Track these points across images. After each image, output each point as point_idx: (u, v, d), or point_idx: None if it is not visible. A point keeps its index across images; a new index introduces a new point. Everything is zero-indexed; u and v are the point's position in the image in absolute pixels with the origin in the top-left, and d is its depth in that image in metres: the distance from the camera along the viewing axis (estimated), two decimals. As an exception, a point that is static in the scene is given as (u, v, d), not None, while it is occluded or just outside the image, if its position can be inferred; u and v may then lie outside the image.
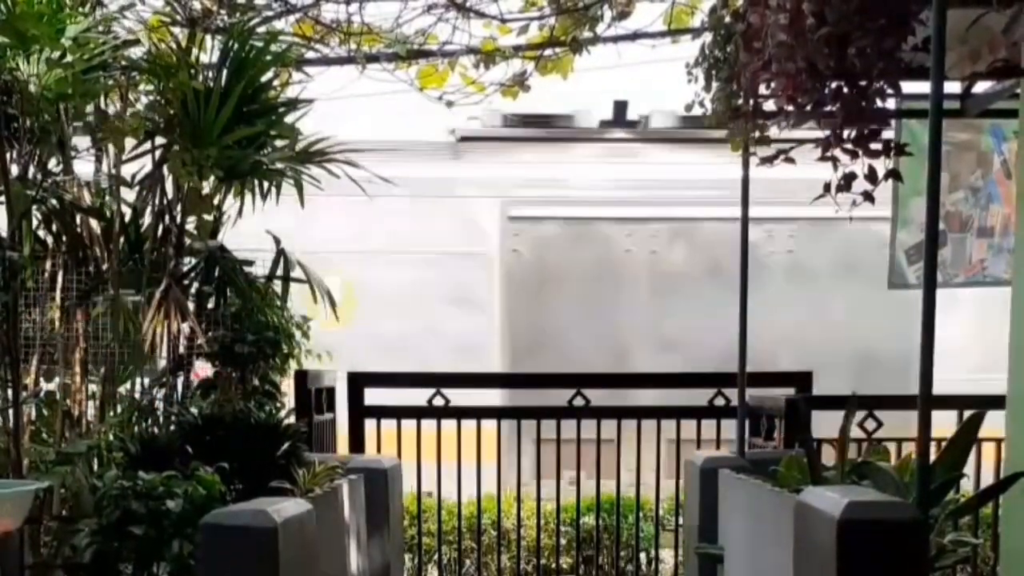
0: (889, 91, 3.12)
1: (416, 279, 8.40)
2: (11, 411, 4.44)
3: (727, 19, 3.69)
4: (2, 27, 4.37)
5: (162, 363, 5.05)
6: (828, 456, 3.95)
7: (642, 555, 6.71)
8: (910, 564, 2.74)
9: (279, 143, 5.12)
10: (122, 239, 5.02)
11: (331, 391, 5.87)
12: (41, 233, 5.03)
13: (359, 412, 5.68)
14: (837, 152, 3.18)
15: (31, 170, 4.83)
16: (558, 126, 9.05)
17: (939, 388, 2.87)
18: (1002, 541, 4.16)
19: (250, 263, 5.23)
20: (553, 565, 6.36)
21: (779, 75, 3.24)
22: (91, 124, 5.04)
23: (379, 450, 5.59)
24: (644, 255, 8.63)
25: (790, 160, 3.49)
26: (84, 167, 5.12)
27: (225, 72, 4.84)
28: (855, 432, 4.63)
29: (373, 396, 5.76)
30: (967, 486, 4.47)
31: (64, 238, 5.01)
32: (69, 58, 4.46)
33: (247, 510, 3.16)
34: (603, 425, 5.71)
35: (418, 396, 5.69)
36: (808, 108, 3.26)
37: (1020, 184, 3.91)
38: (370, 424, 5.69)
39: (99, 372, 5.00)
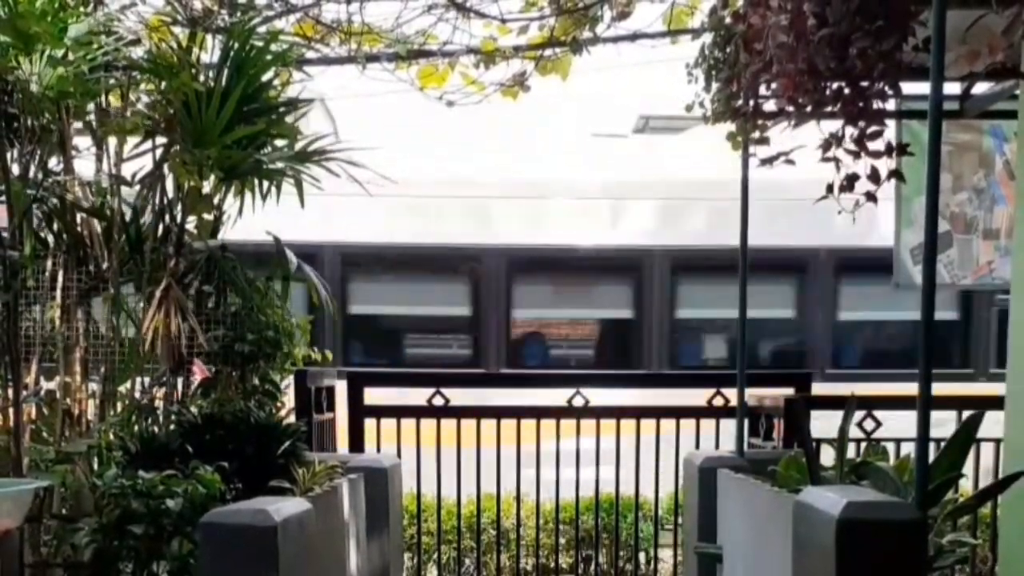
0: (889, 92, 3.13)
1: None
2: (11, 410, 4.44)
3: (727, 20, 3.70)
4: (3, 26, 4.37)
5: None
6: (827, 456, 3.96)
7: (641, 554, 6.72)
8: (909, 564, 2.74)
9: (279, 142, 5.12)
10: (122, 238, 5.02)
11: (331, 390, 5.88)
12: (42, 232, 5.03)
13: (359, 411, 5.69)
14: (838, 153, 3.19)
15: (32, 169, 4.83)
16: None
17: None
18: (1000, 541, 4.17)
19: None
20: (552, 564, 6.36)
21: (780, 76, 3.25)
22: (92, 123, 5.05)
23: (379, 449, 5.60)
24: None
25: (790, 162, 3.50)
26: (85, 166, 5.12)
27: (226, 72, 4.84)
28: (854, 432, 4.65)
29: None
30: (966, 486, 4.49)
31: (65, 237, 5.01)
32: (71, 57, 4.46)
33: (247, 509, 3.16)
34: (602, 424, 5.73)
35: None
36: (809, 109, 3.26)
37: (1020, 186, 3.92)
38: (370, 423, 5.70)
39: (99, 371, 5.01)
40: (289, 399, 5.36)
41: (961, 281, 6.00)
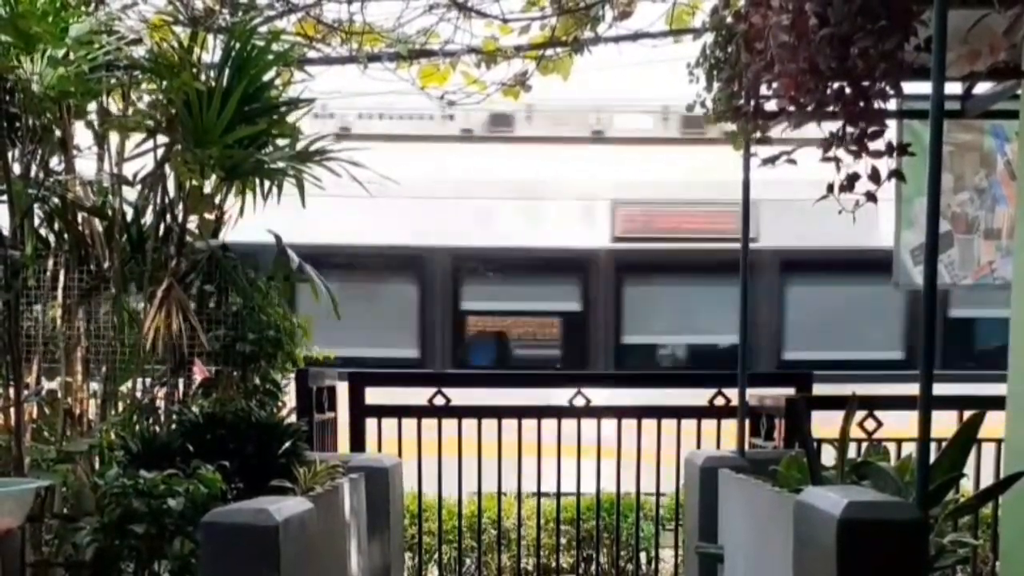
0: (891, 92, 3.13)
1: None
2: (13, 409, 4.44)
3: (728, 19, 3.70)
4: (5, 25, 4.38)
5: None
6: (828, 456, 3.96)
7: (642, 554, 6.72)
8: (910, 564, 2.74)
9: (281, 142, 5.12)
10: (124, 238, 5.02)
11: (332, 390, 5.88)
12: (43, 232, 5.04)
13: (360, 411, 5.69)
14: (839, 152, 3.19)
15: (33, 169, 4.83)
16: None
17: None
18: (1001, 541, 4.17)
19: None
20: (553, 564, 6.36)
21: (781, 76, 3.25)
22: (93, 123, 5.05)
23: (380, 449, 5.60)
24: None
25: (792, 161, 3.49)
26: (86, 166, 5.13)
27: (227, 71, 4.84)
28: (855, 432, 4.65)
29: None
30: (967, 486, 4.48)
31: (66, 237, 5.01)
32: (72, 57, 4.47)
33: (248, 509, 3.16)
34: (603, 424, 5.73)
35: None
36: (810, 108, 3.26)
37: (1021, 186, 3.92)
38: (371, 423, 5.70)
39: (100, 370, 5.01)
40: (290, 399, 5.36)
41: (962, 281, 5.99)
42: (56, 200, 4.96)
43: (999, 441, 4.20)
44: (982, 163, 5.86)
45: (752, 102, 3.66)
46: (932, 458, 2.99)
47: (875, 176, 3.07)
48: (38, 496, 4.05)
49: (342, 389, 5.90)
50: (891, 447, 4.51)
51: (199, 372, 4.92)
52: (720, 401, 5.67)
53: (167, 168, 5.03)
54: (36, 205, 4.84)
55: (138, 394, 5.02)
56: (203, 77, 4.88)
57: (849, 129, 3.12)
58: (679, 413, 5.76)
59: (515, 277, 9.02)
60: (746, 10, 3.51)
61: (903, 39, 2.93)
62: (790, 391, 5.60)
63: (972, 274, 5.95)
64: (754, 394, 5.39)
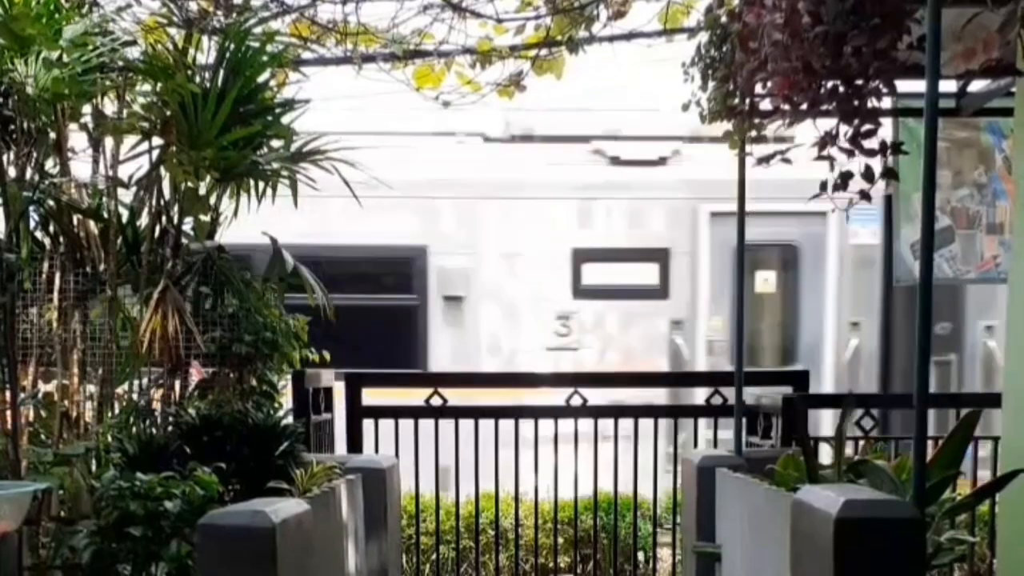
0: (885, 90, 3.13)
1: None
2: (9, 412, 4.44)
3: (723, 19, 3.70)
4: (-1, 28, 4.38)
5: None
6: (825, 455, 3.96)
7: (640, 554, 6.72)
8: (907, 562, 2.74)
9: (275, 143, 5.12)
10: (119, 240, 5.02)
11: (329, 391, 5.88)
12: (39, 234, 5.03)
13: (357, 412, 5.69)
14: (833, 151, 3.19)
15: (28, 171, 4.82)
16: None
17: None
18: (999, 539, 4.17)
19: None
20: (551, 564, 6.36)
21: (775, 74, 3.25)
22: (88, 125, 5.05)
23: (377, 450, 5.60)
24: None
25: (786, 160, 3.50)
26: (81, 168, 5.12)
27: (222, 73, 4.84)
28: (852, 430, 4.65)
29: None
30: (964, 484, 4.49)
31: (61, 239, 5.01)
32: (66, 59, 4.46)
33: (245, 510, 3.16)
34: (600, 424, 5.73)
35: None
36: (804, 107, 3.26)
37: (1017, 183, 3.92)
38: (368, 424, 5.69)
39: (97, 373, 5.00)
40: (287, 400, 5.36)
41: (964, 276, 5.99)
42: (51, 203, 4.95)
43: (996, 439, 4.20)
44: (980, 159, 5.85)
45: (747, 101, 3.66)
46: (929, 456, 2.99)
47: (868, 174, 3.07)
48: (35, 499, 4.04)
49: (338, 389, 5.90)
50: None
51: (197, 373, 4.92)
52: (717, 400, 5.67)
53: (162, 170, 5.03)
54: (31, 208, 4.83)
55: (135, 396, 5.02)
56: (198, 79, 4.88)
57: (843, 128, 3.12)
58: (676, 412, 5.76)
59: None
60: (740, 9, 3.51)
61: (896, 37, 2.93)
62: (787, 389, 5.59)
63: (975, 268, 5.94)
64: (751, 393, 5.39)
